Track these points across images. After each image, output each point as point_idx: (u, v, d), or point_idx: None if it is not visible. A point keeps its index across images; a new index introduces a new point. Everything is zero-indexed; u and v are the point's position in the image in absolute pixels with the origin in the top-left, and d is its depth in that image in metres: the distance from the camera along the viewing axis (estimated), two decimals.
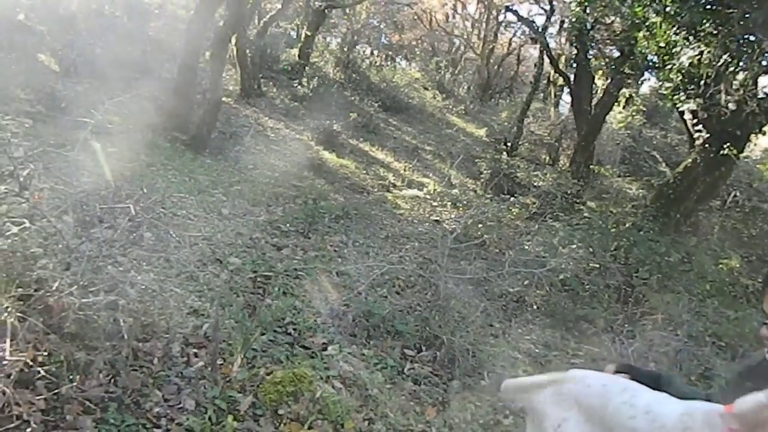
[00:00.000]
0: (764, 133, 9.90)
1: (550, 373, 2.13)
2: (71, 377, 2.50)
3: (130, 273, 2.80)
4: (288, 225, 6.83)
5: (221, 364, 3.18)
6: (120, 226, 2.90)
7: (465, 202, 10.22)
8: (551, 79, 20.06)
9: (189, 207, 6.02)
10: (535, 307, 6.36)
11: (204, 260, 4.69)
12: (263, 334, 3.71)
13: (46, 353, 2.42)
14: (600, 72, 13.96)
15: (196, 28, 9.48)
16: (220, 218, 6.25)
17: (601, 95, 13.72)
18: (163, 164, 7.42)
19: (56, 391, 2.41)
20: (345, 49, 20.39)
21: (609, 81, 13.28)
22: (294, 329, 4.06)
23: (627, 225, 9.18)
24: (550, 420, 1.90)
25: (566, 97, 17.42)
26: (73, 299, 2.50)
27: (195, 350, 3.26)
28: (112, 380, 2.68)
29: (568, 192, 11.55)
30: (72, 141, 4.77)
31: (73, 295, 2.51)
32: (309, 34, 17.20)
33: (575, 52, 13.74)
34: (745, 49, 7.89)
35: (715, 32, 7.94)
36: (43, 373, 2.29)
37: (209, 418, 2.71)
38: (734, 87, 9.17)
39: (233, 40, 11.99)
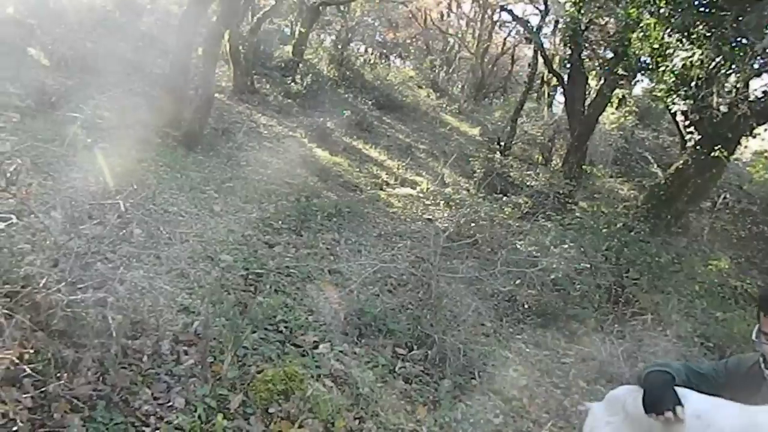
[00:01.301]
0: (754, 136, 9.99)
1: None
2: (59, 375, 2.47)
3: (119, 270, 2.77)
4: (280, 222, 6.81)
5: (211, 362, 3.16)
6: (109, 222, 2.87)
7: (458, 201, 10.22)
8: (545, 79, 20.09)
9: (180, 204, 5.98)
10: (526, 306, 6.37)
11: (195, 257, 4.66)
12: (254, 332, 3.69)
13: (33, 351, 2.39)
14: (593, 73, 14.00)
15: (188, 23, 9.43)
16: (212, 215, 6.22)
17: (594, 96, 13.77)
18: (155, 160, 7.37)
19: (43, 389, 2.38)
20: (339, 47, 20.32)
21: (602, 82, 13.32)
22: (285, 327, 4.04)
23: (618, 225, 9.20)
24: (597, 420, 1.93)
25: (560, 98, 17.44)
26: (61, 296, 2.47)
27: (185, 348, 3.23)
28: (101, 378, 2.65)
29: (561, 192, 11.60)
30: (61, 136, 4.74)
31: (61, 292, 2.48)
32: (303, 30, 17.12)
33: (569, 52, 13.77)
34: (737, 51, 7.94)
35: (707, 35, 7.99)
36: (29, 371, 2.26)
37: (199, 417, 2.69)
38: (726, 89, 9.24)
39: (226, 37, 11.91)
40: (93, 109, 6.94)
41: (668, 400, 1.72)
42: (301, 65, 17.12)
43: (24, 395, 2.31)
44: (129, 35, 12.85)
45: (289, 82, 15.56)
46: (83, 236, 2.81)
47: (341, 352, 3.92)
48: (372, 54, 26.38)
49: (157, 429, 2.54)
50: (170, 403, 2.74)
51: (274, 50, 17.66)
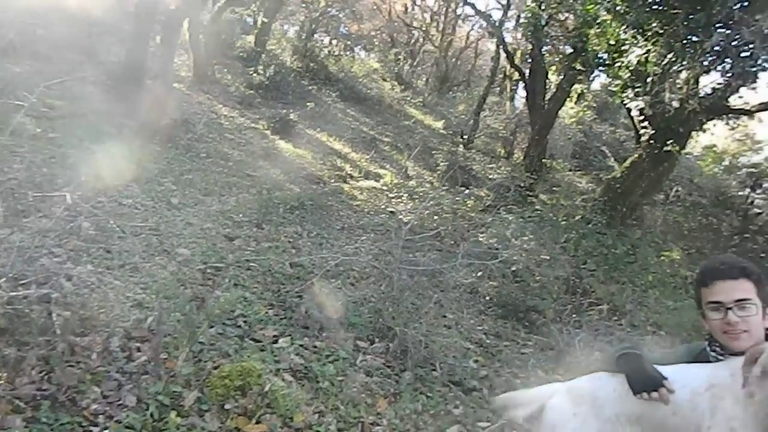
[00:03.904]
0: (705, 131, 10.33)
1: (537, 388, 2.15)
2: None
3: (66, 264, 2.66)
4: (241, 215, 6.69)
5: (165, 359, 3.07)
6: (55, 215, 2.75)
7: (421, 194, 10.26)
8: (507, 73, 20.33)
9: (135, 196, 5.80)
10: (487, 298, 6.44)
11: (150, 251, 4.52)
12: (211, 327, 3.61)
13: None
14: (553, 68, 14.23)
15: (145, 11, 9.15)
16: (169, 208, 6.06)
17: (554, 90, 14.00)
18: (108, 151, 7.11)
19: None
20: (303, 38, 20.07)
21: (562, 77, 13.55)
22: (244, 321, 3.97)
23: (577, 218, 9.42)
24: (561, 414, 1.91)
25: (521, 92, 17.67)
26: (2, 292, 2.36)
27: (137, 344, 3.14)
28: (46, 377, 2.54)
29: (522, 185, 11.78)
30: (6, 125, 4.51)
31: (1, 287, 2.36)
32: (266, 20, 16.87)
33: (530, 47, 13.95)
34: (688, 49, 8.16)
35: (660, 32, 8.19)
36: None
37: (151, 415, 2.62)
38: (678, 86, 9.49)
39: (186, 25, 11.63)
40: (42, 97, 6.66)
41: (657, 377, 1.75)
42: (263, 56, 16.86)
43: None
44: (82, 21, 12.39)
45: (251, 72, 15.30)
46: (27, 230, 2.68)
47: (301, 346, 3.88)
48: (336, 46, 26.14)
49: (107, 428, 2.46)
50: (120, 402, 2.65)
51: (235, 40, 17.33)
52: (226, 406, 2.90)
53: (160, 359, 2.97)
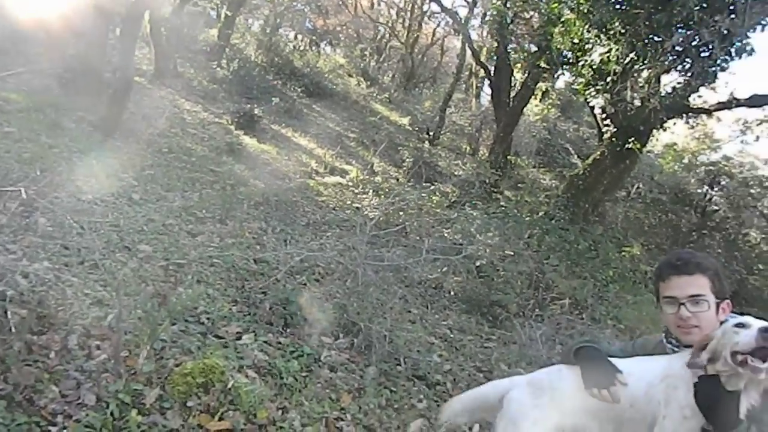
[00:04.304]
0: (665, 129, 10.65)
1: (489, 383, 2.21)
2: None
3: (21, 261, 2.59)
4: (204, 211, 6.59)
5: (126, 357, 3.02)
6: (9, 210, 2.67)
7: (387, 190, 10.29)
8: (473, 70, 20.55)
9: (95, 192, 5.65)
10: (451, 293, 6.53)
11: (110, 248, 4.43)
12: (173, 324, 3.56)
13: None
14: (519, 65, 14.42)
15: (105, 2, 8.91)
16: (130, 204, 5.94)
17: (519, 88, 14.20)
18: (67, 146, 6.94)
19: None
20: (268, 32, 19.87)
21: (527, 74, 13.75)
22: (207, 318, 3.92)
23: (540, 214, 9.60)
24: (521, 405, 1.95)
25: (487, 89, 17.92)
26: None
27: (97, 342, 3.07)
28: (2, 377, 2.48)
29: (487, 181, 11.93)
30: None
31: None
32: (229, 14, 16.60)
33: (496, 45, 14.11)
34: (649, 48, 8.40)
35: (623, 31, 8.41)
36: None
37: (111, 413, 2.57)
38: (639, 84, 9.76)
39: (147, 17, 11.37)
40: None
41: (610, 372, 1.80)
42: (227, 50, 16.62)
43: None
44: (38, 12, 11.98)
45: (214, 66, 15.08)
46: None
47: (265, 342, 3.86)
48: (302, 41, 25.94)
49: (65, 428, 2.41)
50: (80, 401, 2.60)
51: (198, 33, 17.03)
52: (189, 404, 2.88)
53: (120, 357, 2.92)
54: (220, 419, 2.85)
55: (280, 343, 3.95)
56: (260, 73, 17.03)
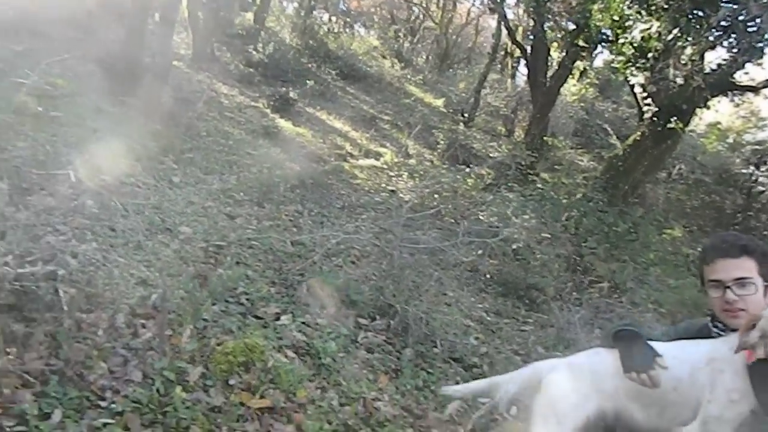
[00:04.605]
0: (709, 108, 10.25)
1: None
2: (8, 350, 2.39)
3: (71, 242, 2.69)
4: (242, 194, 6.70)
5: (170, 335, 3.11)
6: (59, 193, 2.76)
7: (421, 172, 10.25)
8: (508, 50, 20.12)
9: (137, 175, 5.80)
10: (487, 276, 6.49)
11: (153, 229, 4.54)
12: (214, 304, 3.65)
13: None
14: (555, 44, 14.07)
15: None
16: (171, 186, 6.07)
17: (556, 68, 13.86)
18: (110, 129, 7.09)
19: None
20: (302, 15, 19.85)
21: (564, 53, 13.41)
22: (247, 299, 4.00)
23: (578, 196, 9.42)
24: (559, 389, 1.93)
25: (523, 69, 17.54)
26: (9, 269, 2.38)
27: (143, 321, 3.17)
28: (53, 353, 2.58)
29: (523, 163, 11.74)
30: (9, 104, 4.50)
31: (8, 264, 2.39)
32: None
33: (532, 23, 13.80)
34: (693, 23, 8.08)
35: (665, 7, 8.10)
36: None
37: (157, 390, 2.66)
38: (682, 62, 9.42)
39: (184, 2, 11.50)
40: (44, 76, 6.62)
41: (649, 356, 1.77)
42: (262, 33, 16.70)
43: None
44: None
45: (250, 50, 15.16)
46: (32, 207, 2.70)
47: (303, 323, 3.91)
48: (336, 23, 25.85)
49: (114, 403, 2.50)
50: (127, 377, 2.69)
51: (234, 17, 17.12)
52: (230, 382, 2.95)
53: (165, 336, 3.01)
54: (261, 397, 2.92)
55: (317, 324, 4.00)
56: (295, 56, 17.08)
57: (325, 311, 4.16)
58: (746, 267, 1.74)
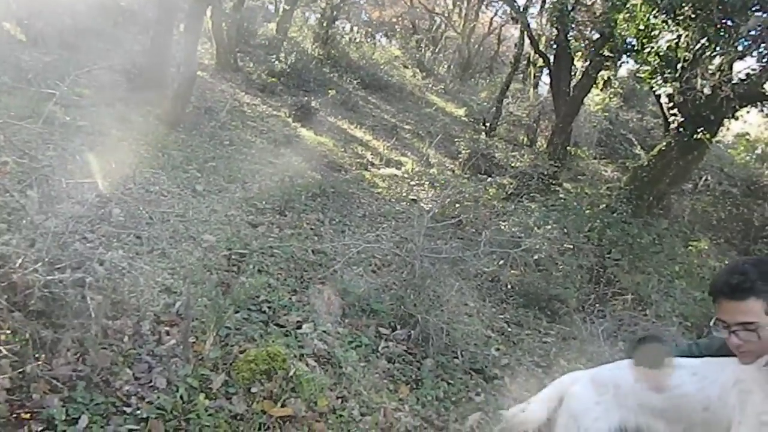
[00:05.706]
0: (737, 118, 10.08)
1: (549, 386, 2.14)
2: (37, 355, 2.44)
3: (98, 249, 2.73)
4: (264, 202, 6.76)
5: (193, 343, 3.14)
6: (87, 201, 2.82)
7: (442, 182, 10.24)
8: (531, 59, 20.03)
9: (161, 183, 5.90)
10: (509, 286, 6.43)
11: (177, 237, 4.61)
12: (237, 312, 3.68)
13: (10, 331, 2.36)
14: (579, 54, 13.97)
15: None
16: (194, 195, 6.16)
17: (579, 77, 13.76)
18: (135, 139, 7.24)
19: (21, 369, 2.35)
20: (324, 25, 20.04)
21: (588, 63, 13.31)
22: (269, 307, 4.02)
23: (601, 207, 9.30)
24: (583, 402, 1.91)
25: (545, 78, 17.50)
26: (39, 276, 2.43)
27: (167, 328, 3.21)
28: (81, 359, 2.63)
29: (545, 173, 11.65)
30: (38, 113, 4.61)
31: (38, 271, 2.44)
32: (287, 8, 16.89)
33: (556, 33, 13.72)
34: (722, 33, 7.96)
35: (693, 16, 7.99)
36: (6, 352, 2.23)
37: (180, 397, 2.69)
38: (710, 71, 9.28)
39: (208, 13, 11.69)
40: (71, 86, 6.78)
41: (661, 354, 1.76)
42: (285, 43, 16.90)
43: (2, 376, 2.28)
44: (108, 10, 12.55)
45: (273, 60, 15.35)
46: (60, 215, 2.76)
47: (324, 332, 3.92)
48: (357, 33, 26.08)
49: (139, 409, 2.53)
50: (152, 384, 2.72)
51: (257, 28, 17.41)
52: (253, 390, 2.96)
53: (188, 343, 3.04)
54: (283, 406, 2.92)
55: (338, 333, 4.01)
56: (317, 65, 17.23)
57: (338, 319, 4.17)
58: (753, 310, 1.60)
